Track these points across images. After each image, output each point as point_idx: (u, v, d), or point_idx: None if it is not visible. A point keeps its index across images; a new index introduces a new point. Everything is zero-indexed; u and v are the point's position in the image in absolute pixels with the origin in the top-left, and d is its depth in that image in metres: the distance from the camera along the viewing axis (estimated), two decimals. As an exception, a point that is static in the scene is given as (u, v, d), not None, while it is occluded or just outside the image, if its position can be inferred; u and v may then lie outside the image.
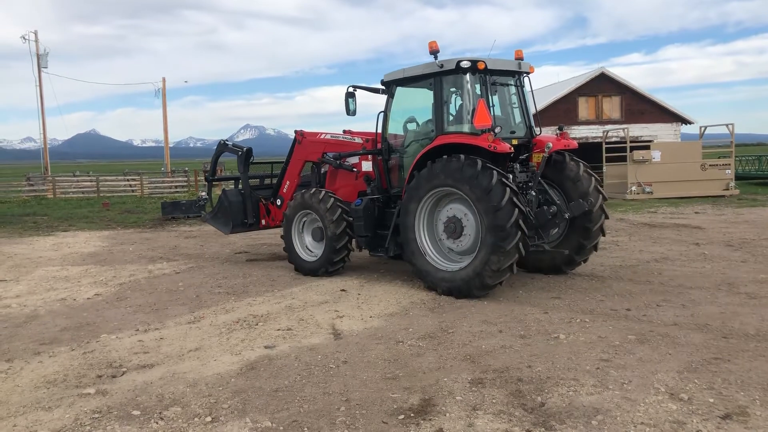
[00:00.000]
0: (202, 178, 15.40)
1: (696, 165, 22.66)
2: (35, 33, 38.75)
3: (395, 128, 9.58)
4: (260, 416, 4.59)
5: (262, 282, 9.53)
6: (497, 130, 8.01)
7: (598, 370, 5.29)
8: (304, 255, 10.07)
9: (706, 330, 6.35)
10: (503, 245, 7.51)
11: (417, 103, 9.33)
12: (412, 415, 4.55)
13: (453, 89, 8.69)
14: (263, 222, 11.70)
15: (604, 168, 23.71)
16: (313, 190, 9.97)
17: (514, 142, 8.61)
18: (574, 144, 9.02)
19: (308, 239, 10.15)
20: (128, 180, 36.34)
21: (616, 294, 8.02)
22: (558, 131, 9.29)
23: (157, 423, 4.52)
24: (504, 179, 7.63)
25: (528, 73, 9.09)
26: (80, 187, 33.65)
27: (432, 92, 8.75)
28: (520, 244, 7.63)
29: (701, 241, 12.22)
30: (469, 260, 7.96)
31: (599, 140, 25.62)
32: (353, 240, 9.71)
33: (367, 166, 9.86)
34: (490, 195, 7.55)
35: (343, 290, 8.74)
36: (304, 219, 10.09)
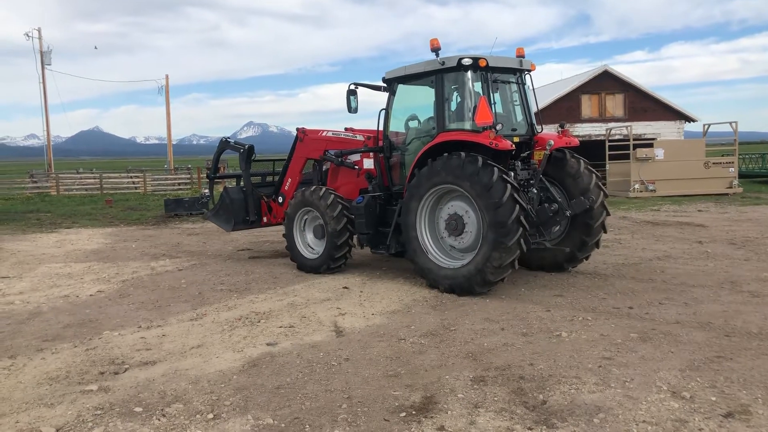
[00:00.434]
0: (205, 175, 15.45)
1: (699, 163, 22.58)
2: (39, 30, 38.77)
3: (397, 126, 9.58)
4: (262, 413, 4.60)
5: (264, 279, 9.54)
6: (498, 127, 8.01)
7: (600, 368, 5.29)
8: (305, 252, 10.08)
9: (708, 328, 6.34)
10: (505, 241, 7.52)
11: (418, 100, 9.33)
12: (413, 412, 4.55)
13: (454, 86, 8.67)
14: (265, 219, 11.71)
15: (608, 166, 23.66)
16: (314, 187, 9.97)
17: (516, 139, 8.60)
18: (575, 141, 9.02)
19: (310, 237, 10.16)
20: (131, 177, 36.41)
21: (618, 292, 8.01)
22: (559, 129, 9.29)
23: (159, 420, 4.53)
24: (505, 176, 7.63)
25: (529, 70, 9.08)
26: (83, 184, 33.69)
27: (433, 90, 8.73)
28: (522, 240, 7.64)
29: (704, 239, 12.20)
30: (471, 257, 7.95)
31: (602, 138, 25.57)
32: (355, 237, 9.72)
33: (368, 163, 9.86)
34: (491, 192, 7.55)
35: (345, 287, 8.74)
36: (306, 216, 10.10)
